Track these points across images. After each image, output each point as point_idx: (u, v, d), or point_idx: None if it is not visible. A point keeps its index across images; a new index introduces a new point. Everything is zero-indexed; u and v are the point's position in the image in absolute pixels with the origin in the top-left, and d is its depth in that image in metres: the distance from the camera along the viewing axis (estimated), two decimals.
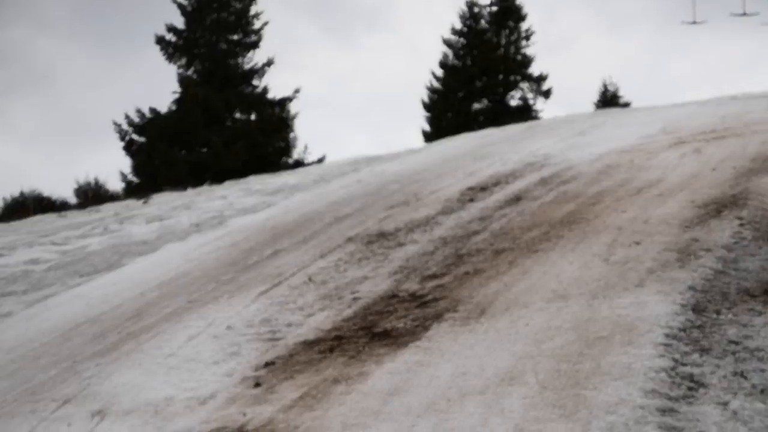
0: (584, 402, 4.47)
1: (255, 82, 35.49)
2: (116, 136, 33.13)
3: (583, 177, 11.15)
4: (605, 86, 47.20)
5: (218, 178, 24.90)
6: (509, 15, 42.84)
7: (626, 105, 41.99)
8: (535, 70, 42.84)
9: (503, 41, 43.35)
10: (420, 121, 43.84)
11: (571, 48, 77.26)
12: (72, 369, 6.99)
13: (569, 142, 14.86)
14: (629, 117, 18.50)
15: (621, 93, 46.51)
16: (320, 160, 32.61)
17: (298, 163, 32.81)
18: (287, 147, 34.90)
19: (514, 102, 43.25)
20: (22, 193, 28.22)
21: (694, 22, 31.77)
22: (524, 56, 43.14)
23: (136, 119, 33.13)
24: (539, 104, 43.02)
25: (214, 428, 5.23)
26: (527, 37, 43.38)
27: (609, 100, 45.59)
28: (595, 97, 47.19)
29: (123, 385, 6.31)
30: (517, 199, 10.50)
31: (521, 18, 43.16)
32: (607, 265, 6.94)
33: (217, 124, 33.12)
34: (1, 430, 5.87)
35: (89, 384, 6.50)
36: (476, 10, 43.13)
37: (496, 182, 11.97)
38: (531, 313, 6.12)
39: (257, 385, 5.83)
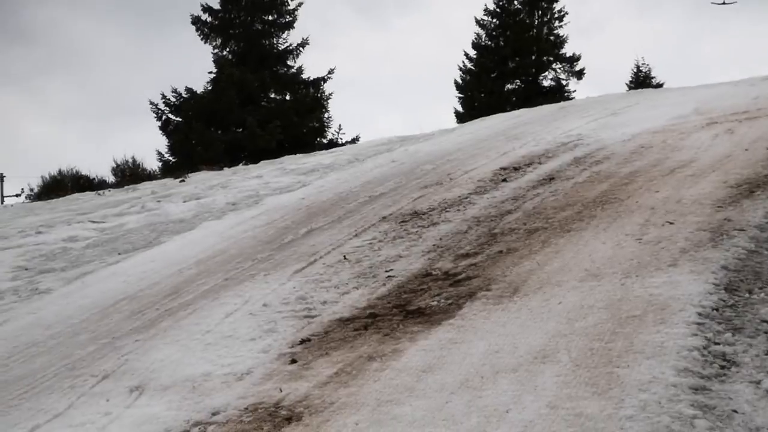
0: (617, 380, 4.52)
1: (290, 62, 35.61)
2: (152, 115, 33.39)
3: (615, 157, 11.14)
4: (638, 67, 46.94)
5: (253, 157, 25.02)
6: None
7: (659, 86, 41.71)
8: (567, 50, 42.76)
9: (536, 22, 43.20)
10: (452, 101, 43.96)
11: (603, 29, 76.88)
12: (110, 345, 7.10)
13: (602, 123, 14.81)
14: (662, 98, 18.36)
15: (653, 74, 46.25)
16: (354, 140, 32.61)
17: (332, 143, 32.87)
18: (321, 127, 34.97)
19: (546, 82, 43.19)
20: (60, 171, 28.51)
21: (724, 3, 31.47)
22: (557, 37, 42.99)
23: (173, 99, 33.33)
24: (572, 85, 42.99)
25: (250, 404, 5.31)
26: (560, 18, 43.22)
27: (641, 80, 45.33)
28: (627, 77, 47.00)
29: (161, 361, 6.41)
30: (550, 179, 10.51)
31: None
32: (640, 244, 6.96)
33: (252, 104, 33.26)
34: (41, 405, 5.95)
35: (127, 360, 6.60)
36: None
37: (529, 162, 11.97)
38: (564, 292, 6.16)
39: (293, 361, 5.91)
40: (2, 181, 54.25)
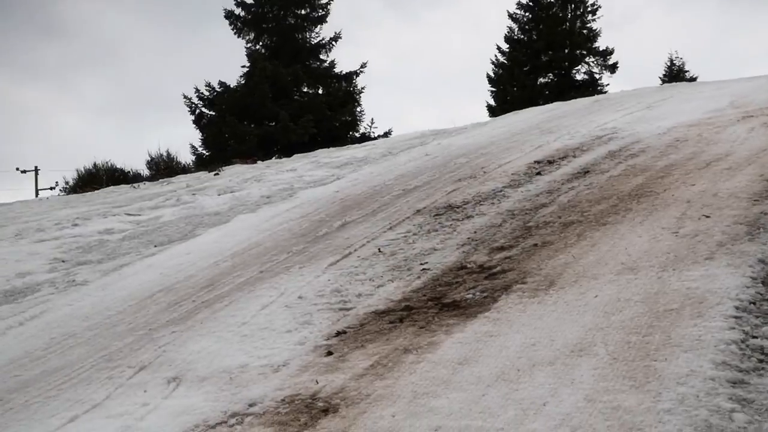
0: (655, 373, 4.50)
1: (322, 56, 35.82)
2: (185, 109, 33.70)
3: (651, 150, 11.07)
4: (671, 61, 46.89)
5: (286, 151, 25.15)
6: None
7: (693, 79, 41.54)
8: (600, 44, 42.71)
9: (569, 15, 43.16)
10: (485, 95, 44.07)
11: (635, 23, 76.54)
12: (147, 337, 7.16)
13: (637, 116, 14.75)
14: (696, 91, 18.26)
15: (687, 67, 46.21)
16: (386, 134, 32.72)
17: (365, 137, 32.96)
18: (354, 121, 35.10)
19: (579, 76, 43.19)
20: (95, 165, 28.75)
21: None
22: (590, 30, 42.98)
23: (206, 93, 33.59)
24: (605, 78, 43.01)
25: (287, 395, 5.33)
26: (593, 12, 43.22)
27: (675, 74, 45.25)
28: (660, 71, 46.94)
29: (198, 353, 6.45)
30: (585, 172, 10.47)
31: None
32: (676, 238, 6.92)
33: (284, 98, 33.40)
34: (79, 396, 6.00)
35: (165, 351, 6.65)
36: None
37: (564, 155, 11.93)
38: (600, 285, 6.14)
39: (329, 353, 5.93)
40: (37, 174, 54.89)
